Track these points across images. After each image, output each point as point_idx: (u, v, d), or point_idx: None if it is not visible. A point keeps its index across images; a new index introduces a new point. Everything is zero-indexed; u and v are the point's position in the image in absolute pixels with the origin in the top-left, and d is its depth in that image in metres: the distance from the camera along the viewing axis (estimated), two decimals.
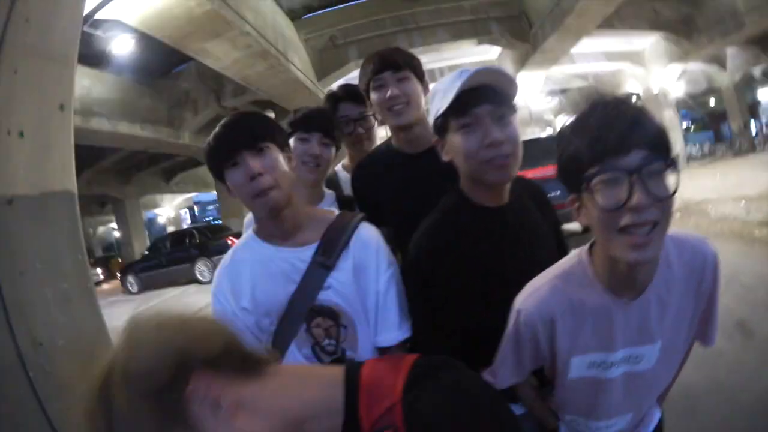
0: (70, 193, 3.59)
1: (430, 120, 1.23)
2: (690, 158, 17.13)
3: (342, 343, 1.26)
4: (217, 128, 1.21)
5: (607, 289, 0.96)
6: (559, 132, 0.93)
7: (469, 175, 1.17)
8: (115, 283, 14.19)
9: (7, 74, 2.99)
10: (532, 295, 1.02)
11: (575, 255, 1.02)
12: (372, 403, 0.62)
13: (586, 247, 1.00)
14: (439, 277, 1.16)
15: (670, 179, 0.83)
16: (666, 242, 0.94)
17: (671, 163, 0.83)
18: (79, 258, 3.64)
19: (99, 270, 19.89)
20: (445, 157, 1.21)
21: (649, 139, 0.82)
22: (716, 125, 25.71)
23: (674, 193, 0.82)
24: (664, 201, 0.81)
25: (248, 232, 1.34)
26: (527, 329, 1.01)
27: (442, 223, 1.20)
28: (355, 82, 1.75)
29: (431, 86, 1.35)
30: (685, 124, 27.59)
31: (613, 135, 0.81)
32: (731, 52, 16.68)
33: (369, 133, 1.89)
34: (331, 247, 1.24)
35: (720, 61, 17.33)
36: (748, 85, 18.66)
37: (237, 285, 1.27)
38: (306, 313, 1.24)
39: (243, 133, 1.18)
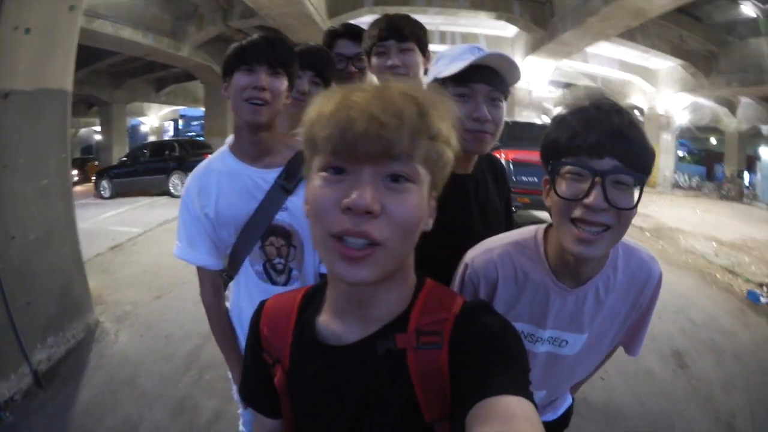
0: (65, 92, 3.59)
1: (428, 79, 1.29)
2: (676, 186, 17.40)
3: (290, 262, 1.42)
4: (254, 36, 1.36)
5: (552, 271, 1.02)
6: (554, 116, 0.98)
7: None
8: (89, 186, 13.97)
9: None
10: (483, 254, 1.07)
11: (533, 230, 1.08)
12: (426, 311, 0.71)
13: (543, 225, 1.06)
14: None
15: (635, 195, 0.88)
16: (617, 247, 1.02)
17: (640, 182, 0.87)
18: (62, 156, 3.66)
19: (75, 171, 19.51)
20: None
21: (626, 153, 0.86)
22: (710, 164, 25.81)
23: (633, 207, 0.87)
24: (620, 210, 0.86)
25: (223, 147, 1.47)
26: (470, 283, 1.07)
27: None
28: (363, 27, 1.79)
29: (440, 49, 1.37)
30: (680, 153, 27.83)
31: (594, 137, 0.86)
32: (745, 102, 16.74)
33: (361, 74, 1.88)
34: (294, 173, 1.38)
35: (731, 106, 17.38)
36: (752, 137, 18.65)
37: (204, 191, 1.41)
38: (263, 231, 1.39)
39: (272, 52, 1.32)
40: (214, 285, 1.50)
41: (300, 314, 0.79)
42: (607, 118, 0.88)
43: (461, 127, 1.18)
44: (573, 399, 1.36)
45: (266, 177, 1.39)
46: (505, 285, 1.05)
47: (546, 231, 1.05)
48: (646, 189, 0.90)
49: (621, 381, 3.18)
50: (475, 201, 1.33)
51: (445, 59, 1.24)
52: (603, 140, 0.86)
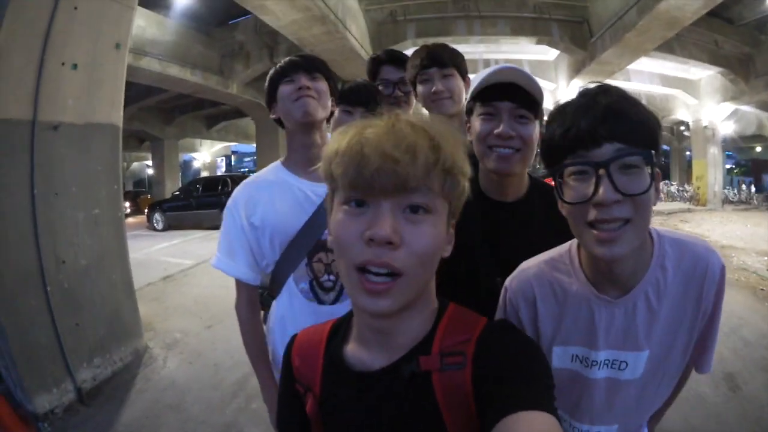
0: (114, 126, 3.80)
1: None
2: (725, 201, 16.57)
3: (340, 279, 1.42)
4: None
5: (590, 282, 0.94)
6: (547, 117, 0.92)
7: (480, 160, 1.26)
8: (141, 218, 14.52)
9: (66, 10, 3.19)
10: (519, 275, 1.04)
11: (567, 244, 1.02)
12: (449, 332, 0.72)
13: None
14: None
15: (648, 173, 0.79)
16: (664, 244, 0.93)
17: (649, 159, 0.79)
18: (114, 188, 3.86)
19: (127, 203, 20.36)
20: (469, 137, 1.31)
21: (625, 131, 0.78)
22: (758, 173, 24.71)
23: (648, 189, 0.79)
24: (635, 197, 0.78)
25: (276, 162, 1.52)
26: (511, 307, 1.04)
27: None
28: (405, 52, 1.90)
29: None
30: (728, 165, 26.63)
31: (584, 125, 0.79)
32: None
33: (407, 98, 1.94)
34: None
35: None
36: None
37: (252, 200, 1.44)
38: (312, 246, 1.40)
39: (307, 62, 1.43)
40: (250, 299, 1.51)
41: (329, 344, 0.81)
42: (594, 100, 0.82)
43: (485, 145, 1.21)
44: None
45: (317, 191, 1.42)
46: (544, 303, 1.00)
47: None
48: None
49: (670, 408, 3.02)
50: (521, 229, 1.28)
51: (475, 82, 1.27)
52: (595, 123, 0.79)
